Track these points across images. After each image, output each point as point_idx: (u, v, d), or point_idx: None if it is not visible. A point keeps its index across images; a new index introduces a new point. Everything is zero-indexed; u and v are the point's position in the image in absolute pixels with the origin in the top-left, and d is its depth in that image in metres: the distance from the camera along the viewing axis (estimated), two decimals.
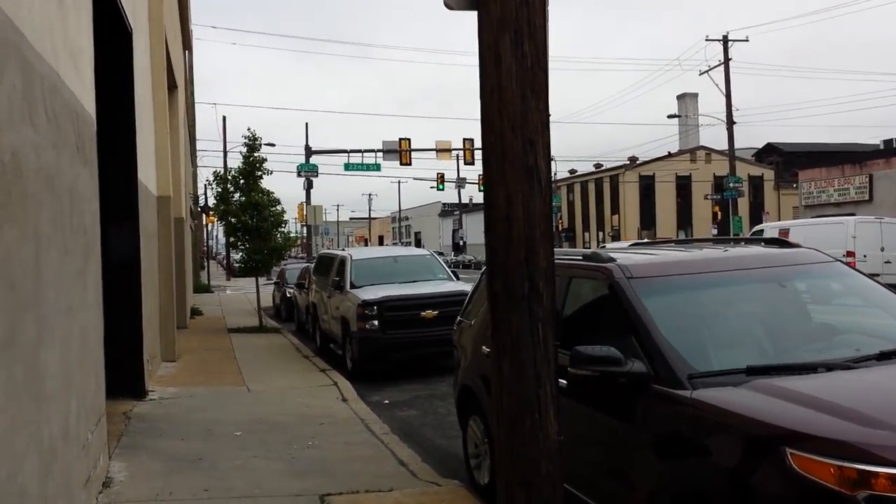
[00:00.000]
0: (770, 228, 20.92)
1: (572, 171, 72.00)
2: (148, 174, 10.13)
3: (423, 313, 11.64)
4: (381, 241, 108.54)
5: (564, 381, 4.08)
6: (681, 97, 67.40)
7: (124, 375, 8.81)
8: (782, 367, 3.73)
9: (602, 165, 68.70)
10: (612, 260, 4.53)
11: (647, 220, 62.85)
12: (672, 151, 65.52)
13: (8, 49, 3.02)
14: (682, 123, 56.11)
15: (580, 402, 4.27)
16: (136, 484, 5.83)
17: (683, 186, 63.23)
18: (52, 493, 3.81)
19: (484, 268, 7.05)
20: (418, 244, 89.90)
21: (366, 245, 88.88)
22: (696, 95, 67.51)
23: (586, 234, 69.10)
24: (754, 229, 17.56)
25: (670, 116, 40.27)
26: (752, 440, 3.18)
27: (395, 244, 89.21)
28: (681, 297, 4.36)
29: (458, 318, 6.96)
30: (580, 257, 4.89)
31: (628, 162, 64.48)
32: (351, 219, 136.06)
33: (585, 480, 4.29)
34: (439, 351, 11.70)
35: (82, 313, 4.88)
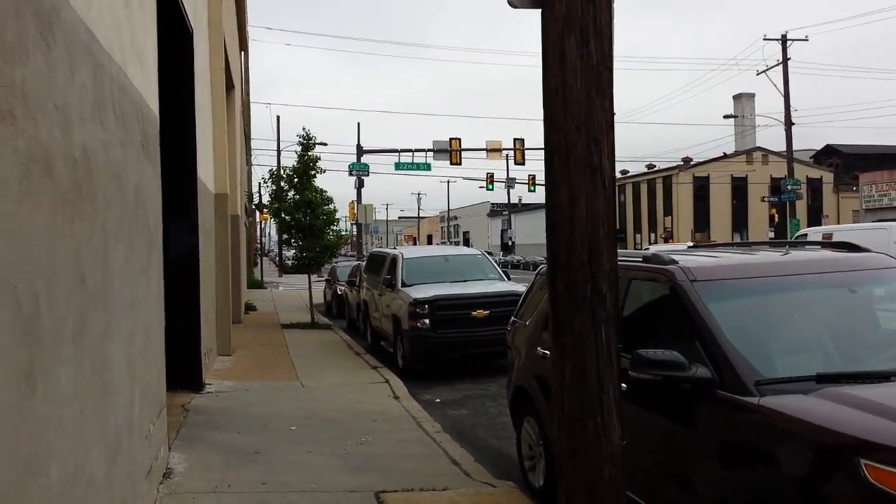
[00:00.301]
0: (813, 233, 20.53)
1: (624, 172, 71.08)
2: (206, 172, 10.33)
3: (474, 313, 11.62)
4: (429, 241, 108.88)
5: (624, 385, 4.00)
6: (737, 97, 65.99)
7: (182, 369, 8.99)
8: (854, 375, 3.60)
9: (655, 166, 67.65)
10: (674, 262, 4.43)
11: (701, 222, 61.67)
12: (728, 152, 64.16)
13: (79, 49, 3.09)
14: (739, 124, 54.92)
15: (640, 407, 4.19)
16: (195, 475, 5.94)
17: (739, 188, 61.88)
18: (118, 482, 3.90)
19: (539, 268, 7.02)
20: (466, 244, 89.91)
21: (414, 244, 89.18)
22: (752, 96, 66.02)
23: (637, 236, 68.14)
24: (797, 234, 17.05)
25: (726, 117, 39.44)
26: (824, 450, 3.08)
27: (443, 244, 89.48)
28: (746, 301, 4.24)
29: (512, 318, 6.91)
30: (640, 259, 4.80)
31: (682, 163, 63.35)
32: (400, 218, 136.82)
33: (645, 486, 4.21)
34: (490, 351, 11.69)
35: (146, 308, 4.99)
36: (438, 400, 10.10)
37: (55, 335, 2.74)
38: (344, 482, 5.95)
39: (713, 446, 3.67)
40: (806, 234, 20.82)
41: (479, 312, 11.60)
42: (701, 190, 62.40)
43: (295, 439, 7.36)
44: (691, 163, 63.02)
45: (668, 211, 64.22)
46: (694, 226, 61.27)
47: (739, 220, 61.77)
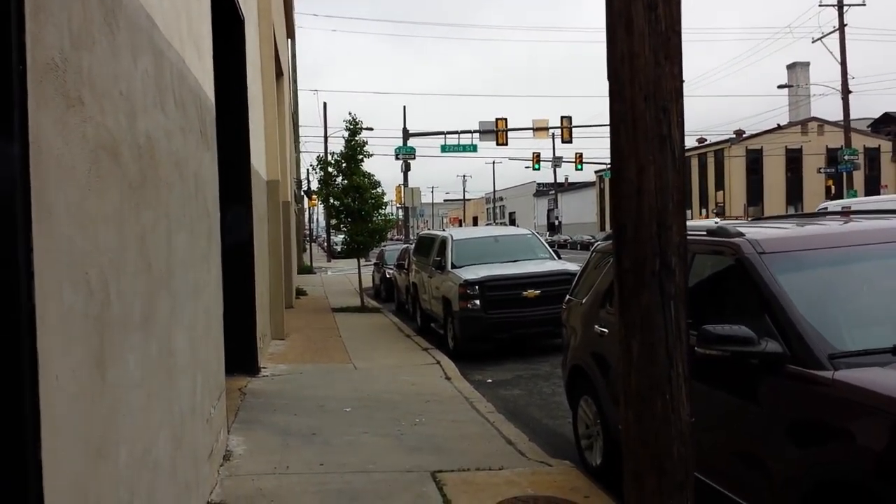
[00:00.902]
0: (833, 206, 20.17)
1: None
2: (259, 159, 10.43)
3: (524, 293, 11.55)
4: (475, 222, 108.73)
5: None
6: (791, 67, 64.12)
7: (239, 353, 9.15)
8: None
9: (706, 140, 66.22)
10: (741, 234, 4.31)
11: (754, 195, 60.28)
12: (781, 124, 62.44)
13: (141, 36, 3.11)
14: (793, 94, 53.38)
15: (706, 384, 4.09)
16: (255, 457, 6.04)
17: (793, 160, 60.27)
18: (182, 465, 3.97)
19: (595, 245, 6.92)
20: (513, 224, 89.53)
21: (460, 226, 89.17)
22: (807, 65, 64.06)
23: (689, 212, 66.97)
24: (819, 207, 16.53)
25: (780, 87, 38.43)
26: None
27: (488, 225, 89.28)
28: (817, 273, 4.10)
29: (567, 296, 6.83)
30: (704, 232, 4.68)
31: (734, 135, 61.89)
32: (445, 200, 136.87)
33: (713, 466, 4.12)
34: (541, 331, 11.62)
35: (206, 293, 5.06)
36: (490, 380, 10.10)
37: (124, 321, 2.78)
38: (400, 462, 5.98)
39: (784, 423, 3.56)
40: (826, 207, 20.37)
41: (530, 292, 11.52)
42: (754, 163, 60.96)
43: (350, 420, 7.43)
44: (744, 135, 61.55)
45: (719, 185, 62.93)
46: (747, 200, 59.94)
47: (794, 193, 60.23)
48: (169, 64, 3.70)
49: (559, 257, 13.44)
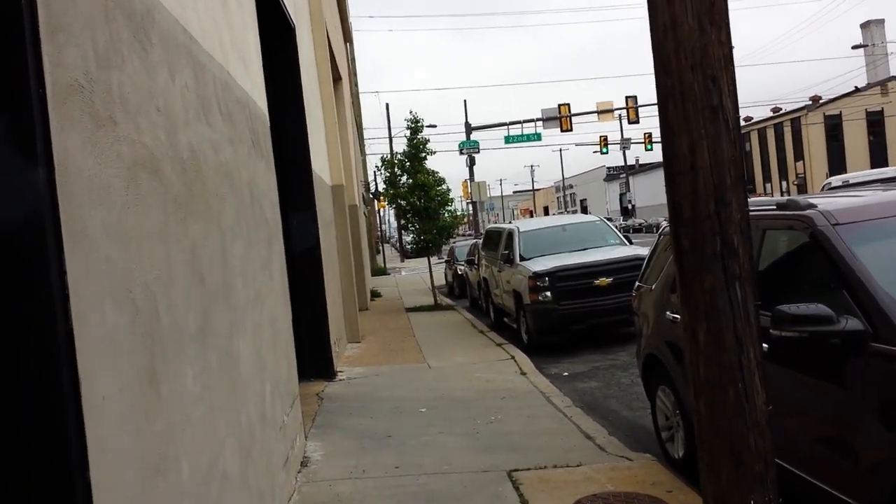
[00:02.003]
0: (836, 181, 19.34)
1: (748, 119, 67.41)
2: (321, 165, 10.54)
3: (596, 281, 11.32)
4: (546, 212, 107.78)
5: (765, 345, 3.70)
6: (865, 25, 60.98)
7: (315, 358, 9.28)
8: None
9: (781, 109, 63.68)
10: (812, 206, 4.05)
11: (836, 164, 57.64)
12: (859, 86, 59.49)
13: (178, 51, 3.12)
14: (869, 54, 50.77)
15: (784, 367, 3.87)
16: (331, 462, 6.07)
17: (875, 123, 57.32)
18: (254, 475, 4.00)
19: (661, 228, 6.68)
20: (584, 212, 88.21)
21: (531, 217, 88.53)
22: (882, 22, 60.80)
23: (768, 186, 64.59)
24: (824, 183, 15.61)
25: (855, 47, 36.54)
26: None
27: (559, 214, 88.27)
28: None
29: (637, 283, 6.62)
30: (773, 206, 4.43)
31: (810, 102, 59.32)
32: (514, 192, 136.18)
33: (794, 452, 3.90)
34: (617, 320, 11.36)
35: (270, 300, 5.10)
36: (566, 373, 9.92)
37: (177, 335, 2.79)
38: (476, 462, 5.91)
39: (870, 404, 3.32)
40: (829, 184, 19.54)
41: (602, 280, 11.28)
42: (833, 129, 58.29)
43: (426, 421, 7.41)
44: (821, 101, 58.92)
45: (798, 156, 60.47)
46: (828, 169, 57.40)
47: (878, 158, 57.26)
48: (211, 77, 3.72)
49: (631, 242, 13.12)
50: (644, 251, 12.12)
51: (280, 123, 7.41)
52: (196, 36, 3.48)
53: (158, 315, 2.56)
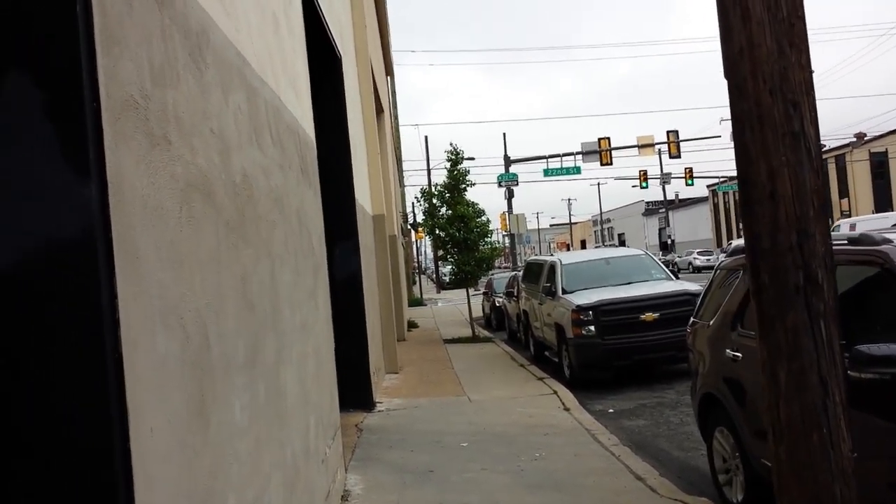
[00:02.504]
0: (844, 224, 18.87)
1: None
2: (363, 195, 10.51)
3: (642, 316, 11.03)
4: (583, 246, 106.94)
5: None
6: None
7: (354, 388, 9.13)
8: None
9: (825, 146, 62.59)
10: (889, 241, 3.83)
11: (882, 201, 56.25)
12: None
13: (231, 73, 3.06)
14: None
15: (863, 411, 3.62)
16: (372, 497, 5.89)
17: None
18: None
19: (719, 262, 6.44)
20: (622, 246, 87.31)
21: (567, 250, 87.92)
22: None
23: None
24: (833, 227, 15.27)
25: None
26: None
27: (597, 247, 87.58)
28: None
29: (692, 318, 6.38)
30: (844, 241, 4.21)
31: (855, 139, 58.20)
32: (551, 225, 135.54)
33: (880, 501, 3.63)
34: (663, 356, 11.06)
35: (315, 331, 4.99)
36: (611, 410, 9.62)
37: (226, 365, 2.67)
38: (522, 501, 5.68)
39: None
40: (839, 227, 19.08)
41: (649, 315, 10.99)
42: (879, 166, 57.01)
43: (467, 456, 7.20)
44: (866, 138, 57.76)
45: (843, 193, 59.24)
46: (874, 206, 56.05)
47: None
48: (263, 101, 3.66)
49: (677, 277, 12.80)
50: (692, 286, 11.83)
51: (325, 152, 7.38)
52: (249, 59, 3.42)
53: (209, 343, 2.44)
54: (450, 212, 18.84)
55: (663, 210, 71.73)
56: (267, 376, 3.37)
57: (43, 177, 1.62)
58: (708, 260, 49.38)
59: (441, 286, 49.67)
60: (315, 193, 5.47)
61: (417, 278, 46.39)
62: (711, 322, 5.75)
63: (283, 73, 4.40)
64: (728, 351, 5.23)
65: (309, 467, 4.34)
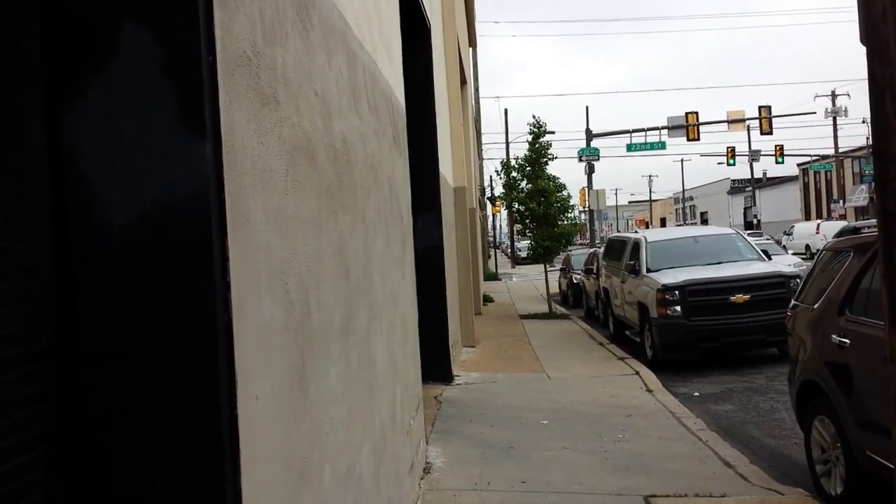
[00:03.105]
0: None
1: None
2: (446, 166, 10.42)
3: (732, 298, 10.62)
4: (662, 224, 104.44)
5: None
6: None
7: (433, 360, 9.11)
8: None
9: None
10: None
11: None
12: None
13: (334, 35, 2.99)
14: None
15: None
16: (454, 471, 5.86)
17: None
18: (384, 481, 3.83)
19: (825, 244, 6.10)
20: (704, 225, 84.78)
21: (647, 228, 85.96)
22: None
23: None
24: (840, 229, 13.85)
25: None
26: None
27: (678, 226, 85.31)
28: None
29: (793, 301, 6.06)
30: None
31: None
32: (630, 202, 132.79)
33: None
34: (752, 339, 10.65)
35: (402, 300, 4.95)
36: (697, 393, 9.33)
37: (324, 332, 2.63)
38: (608, 483, 5.55)
39: None
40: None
41: (739, 297, 10.57)
42: None
43: (548, 434, 7.10)
44: None
45: None
46: None
47: None
48: (361, 66, 3.58)
49: (769, 258, 12.28)
50: (786, 268, 11.34)
51: (411, 121, 7.30)
52: (350, 22, 3.34)
53: (309, 309, 2.40)
54: (530, 185, 18.58)
55: (749, 188, 69.23)
56: (359, 345, 3.33)
57: (159, 134, 1.57)
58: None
59: (516, 261, 49.40)
60: (405, 162, 5.41)
61: (493, 253, 46.26)
62: (816, 306, 5.44)
63: (380, 38, 4.32)
64: (834, 337, 4.93)
65: (395, 438, 4.32)
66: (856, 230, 5.46)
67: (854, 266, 5.02)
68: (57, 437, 1.62)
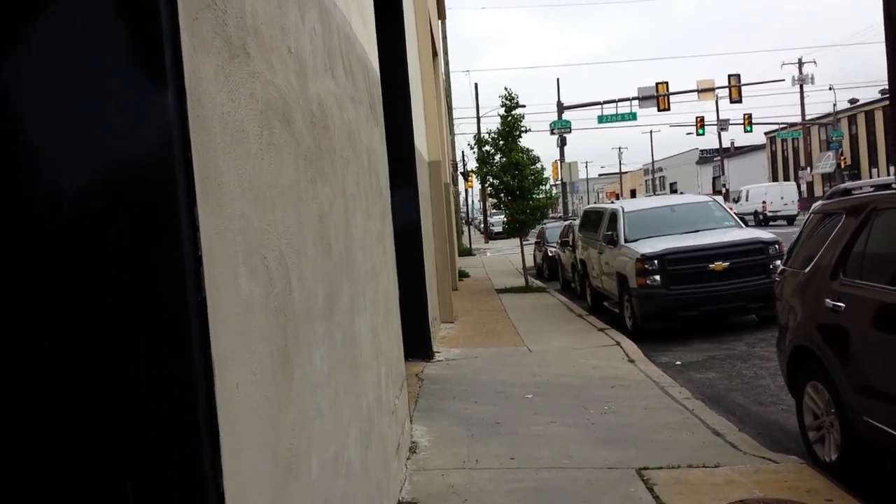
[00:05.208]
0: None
1: (853, 101, 63.61)
2: (420, 139, 10.16)
3: (711, 265, 10.56)
4: (632, 195, 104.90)
5: None
6: None
7: (413, 337, 8.93)
8: None
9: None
10: None
11: None
12: None
13: None
14: None
15: None
16: (441, 450, 5.71)
17: None
18: (372, 464, 3.66)
19: (813, 207, 5.98)
20: (674, 194, 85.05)
21: (617, 199, 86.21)
22: None
23: (873, 171, 60.84)
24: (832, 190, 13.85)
25: None
26: None
27: (649, 196, 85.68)
28: None
29: (781, 266, 5.96)
30: None
31: None
32: (600, 175, 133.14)
33: None
34: (732, 307, 10.63)
35: (383, 276, 4.75)
36: (679, 362, 9.28)
37: (307, 311, 2.43)
38: (597, 457, 5.43)
39: None
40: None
41: (718, 265, 10.51)
42: None
43: (534, 408, 6.97)
44: None
45: None
46: None
47: None
48: (336, 25, 3.34)
49: (746, 225, 12.23)
50: (765, 234, 11.29)
51: (386, 92, 7.04)
52: None
53: (291, 286, 2.19)
54: (503, 159, 18.36)
55: (718, 158, 69.75)
56: (343, 324, 3.13)
57: (111, 82, 1.34)
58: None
59: (489, 236, 49.28)
60: (381, 133, 5.18)
61: (466, 228, 46.08)
62: (806, 270, 5.33)
63: None
64: (828, 301, 4.82)
65: (381, 419, 4.14)
66: (846, 192, 5.34)
67: (847, 228, 4.91)
68: (13, 447, 1.40)
